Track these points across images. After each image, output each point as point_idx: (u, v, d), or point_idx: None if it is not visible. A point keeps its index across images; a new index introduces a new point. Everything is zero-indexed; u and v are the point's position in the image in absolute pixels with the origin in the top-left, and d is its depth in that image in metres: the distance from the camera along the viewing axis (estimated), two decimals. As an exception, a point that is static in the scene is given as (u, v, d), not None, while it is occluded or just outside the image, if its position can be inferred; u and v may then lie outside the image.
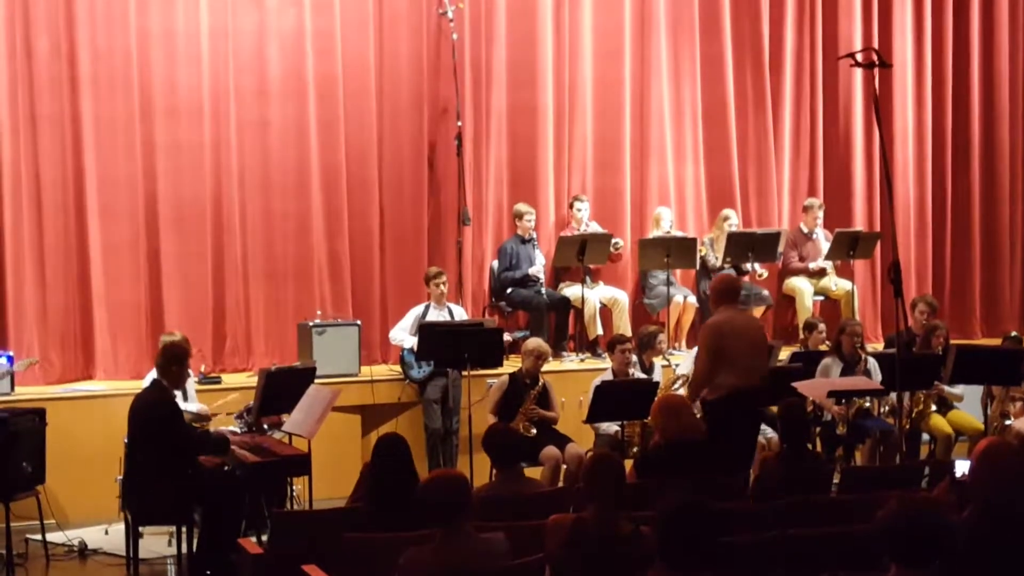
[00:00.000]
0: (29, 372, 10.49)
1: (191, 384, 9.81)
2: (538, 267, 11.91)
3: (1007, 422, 10.41)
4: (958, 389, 10.51)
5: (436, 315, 10.87)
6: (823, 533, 5.84)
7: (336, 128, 11.76)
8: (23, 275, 10.84)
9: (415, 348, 10.56)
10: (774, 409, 9.47)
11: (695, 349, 11.14)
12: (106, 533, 9.25)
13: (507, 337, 10.80)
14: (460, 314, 11.11)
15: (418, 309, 10.99)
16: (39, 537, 8.93)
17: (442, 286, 10.96)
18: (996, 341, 12.07)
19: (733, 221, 12.64)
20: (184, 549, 8.21)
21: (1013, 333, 11.67)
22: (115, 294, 11.07)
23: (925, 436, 10.55)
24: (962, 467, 5.84)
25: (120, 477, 8.64)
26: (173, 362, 8.20)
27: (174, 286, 11.26)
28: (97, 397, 10.31)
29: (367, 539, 5.77)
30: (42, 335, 10.87)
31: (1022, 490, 4.96)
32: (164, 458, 7.94)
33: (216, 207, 11.41)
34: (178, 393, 8.85)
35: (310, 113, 11.65)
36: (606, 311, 12.19)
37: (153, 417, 8.02)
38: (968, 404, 10.71)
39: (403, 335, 10.93)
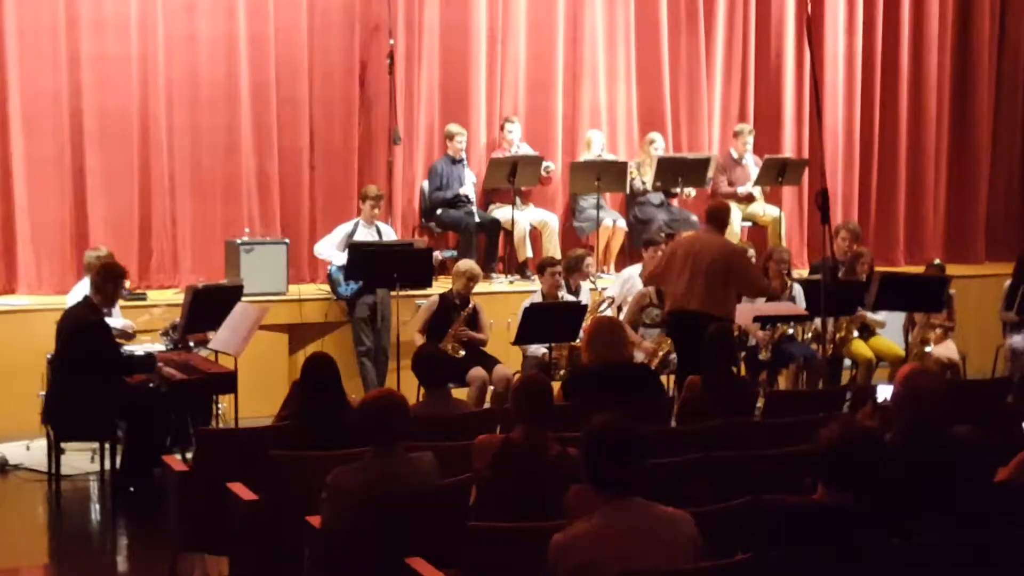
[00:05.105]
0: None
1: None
2: (468, 186, 11.87)
3: (927, 348, 10.59)
4: (880, 315, 10.65)
5: (365, 233, 10.81)
6: (747, 456, 5.91)
7: (265, 44, 11.58)
8: (-56, 188, 10.65)
9: (343, 266, 10.52)
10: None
11: (624, 272, 11.30)
12: (27, 449, 9.16)
13: (436, 255, 10.80)
14: (388, 233, 11.06)
15: (347, 226, 10.92)
16: (-40, 452, 8.87)
17: (377, 208, 10.91)
18: (919, 269, 12.22)
19: (659, 144, 12.64)
20: (107, 465, 8.20)
21: (936, 261, 11.82)
22: (39, 208, 10.88)
23: (847, 361, 10.69)
24: (884, 392, 5.94)
25: (43, 393, 8.55)
26: (109, 280, 8.17)
27: (99, 201, 11.08)
28: (19, 312, 10.17)
29: (294, 457, 5.76)
30: (-37, 248, 10.70)
31: (942, 414, 5.06)
32: (90, 375, 7.89)
33: (143, 122, 11.22)
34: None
35: (239, 28, 11.45)
36: (536, 233, 12.19)
37: (82, 333, 7.96)
38: (889, 330, 10.86)
39: (331, 251, 10.85)
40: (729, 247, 9.09)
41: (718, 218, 9.10)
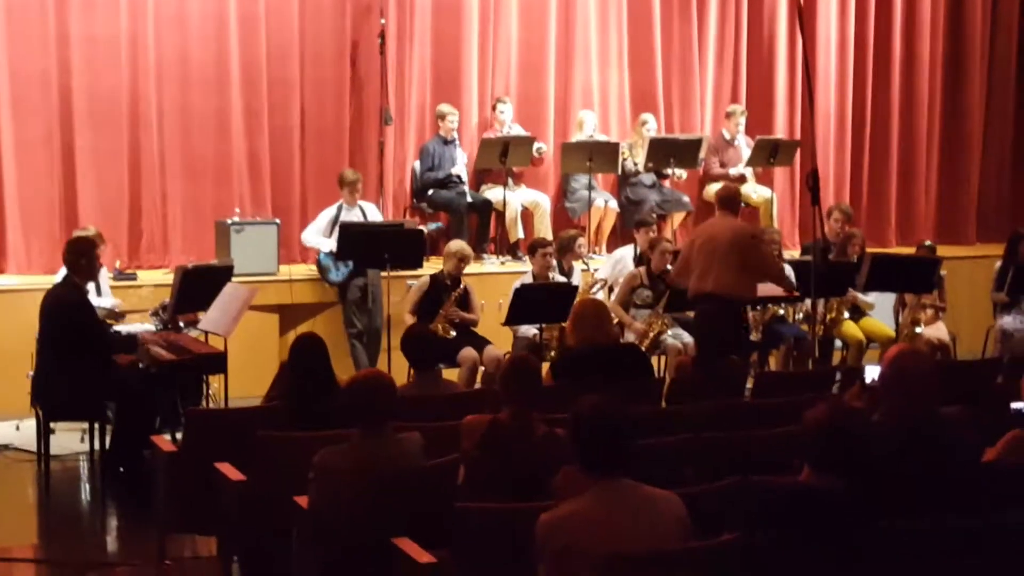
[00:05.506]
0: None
1: (105, 279, 9.70)
2: (460, 166, 11.84)
3: (917, 329, 10.59)
4: (870, 297, 10.65)
5: (349, 215, 10.78)
6: (736, 437, 5.91)
7: (256, 24, 11.53)
8: (-67, 168, 10.60)
9: (333, 251, 10.49)
10: (691, 314, 9.61)
11: (616, 253, 11.30)
12: (17, 429, 9.15)
13: (422, 228, 10.85)
14: (372, 212, 11.03)
15: (331, 210, 10.89)
16: (-51, 432, 8.87)
17: (357, 192, 10.88)
18: (910, 250, 12.22)
19: (651, 125, 12.61)
20: (97, 446, 8.19)
21: (927, 242, 11.82)
22: (28, 189, 10.85)
23: (838, 342, 10.69)
24: (872, 372, 5.93)
25: (31, 373, 8.53)
26: (81, 255, 8.11)
27: (89, 182, 11.05)
28: (8, 292, 10.15)
29: (282, 437, 5.75)
30: (-47, 229, 10.67)
31: (930, 395, 5.05)
32: (76, 354, 7.88)
33: (133, 102, 11.18)
34: (91, 288, 8.77)
35: (229, 7, 11.41)
36: (527, 214, 12.18)
37: (64, 313, 7.94)
38: (880, 311, 10.86)
39: (318, 238, 10.83)
40: (741, 228, 9.08)
41: (730, 201, 9.13)
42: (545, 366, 7.51)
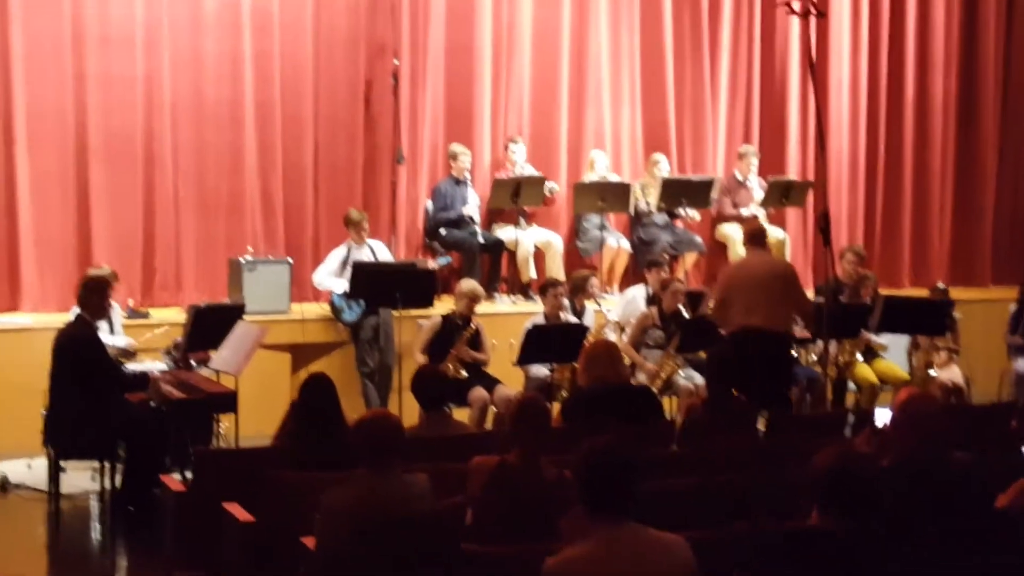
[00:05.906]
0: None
1: (118, 318, 9.72)
2: (472, 207, 11.86)
3: (931, 372, 10.55)
4: (883, 339, 10.61)
5: (358, 254, 10.80)
6: (746, 480, 5.88)
7: (270, 63, 11.60)
8: (-52, 205, 10.66)
9: (346, 291, 10.50)
10: (703, 354, 9.58)
11: (628, 292, 11.29)
12: (29, 467, 9.14)
13: (430, 264, 10.83)
14: (381, 250, 11.05)
15: (340, 251, 10.92)
16: (-39, 470, 8.86)
17: (363, 231, 10.90)
18: (924, 292, 12.19)
19: (663, 166, 12.63)
20: (107, 484, 8.18)
21: (940, 284, 11.79)
22: (43, 226, 10.90)
23: (852, 384, 10.64)
24: (882, 416, 5.92)
25: (44, 411, 8.53)
26: (93, 292, 8.16)
27: (103, 219, 11.10)
28: (23, 330, 10.17)
29: (290, 478, 5.74)
30: (-33, 267, 10.71)
31: (941, 438, 5.02)
32: (88, 392, 7.89)
33: (147, 141, 11.24)
34: (104, 327, 8.79)
35: (244, 47, 11.48)
36: (539, 254, 12.18)
37: (76, 351, 7.97)
38: (893, 354, 10.82)
39: (330, 280, 10.84)
40: (779, 261, 9.17)
41: (758, 237, 9.28)
42: (556, 407, 7.49)
